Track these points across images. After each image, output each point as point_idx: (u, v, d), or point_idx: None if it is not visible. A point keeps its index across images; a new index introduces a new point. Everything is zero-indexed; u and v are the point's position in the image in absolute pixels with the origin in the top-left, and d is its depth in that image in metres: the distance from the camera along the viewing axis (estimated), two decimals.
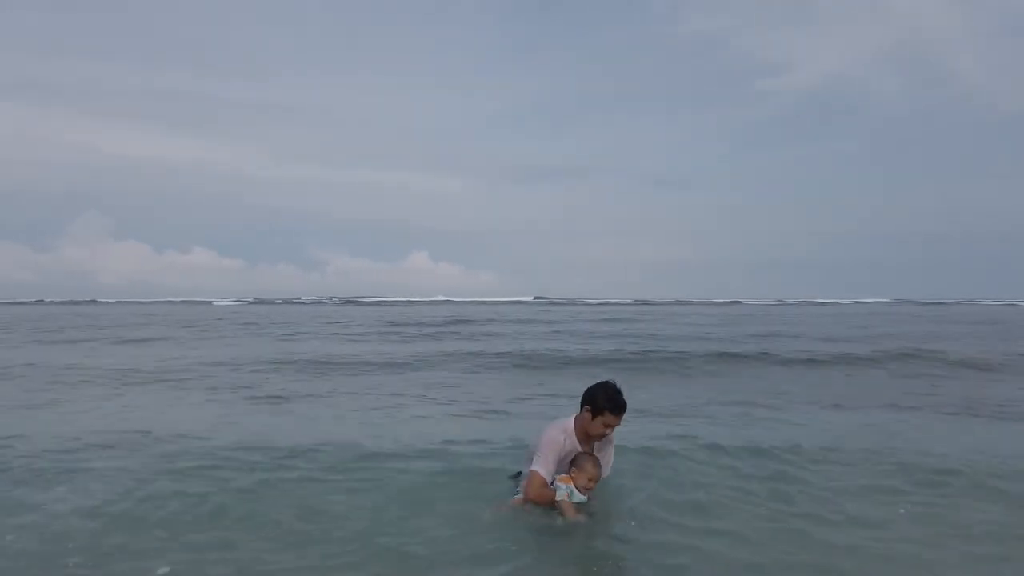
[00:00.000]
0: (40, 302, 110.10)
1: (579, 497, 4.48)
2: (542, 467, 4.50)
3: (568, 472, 4.53)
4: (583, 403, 4.62)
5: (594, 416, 4.53)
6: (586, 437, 4.63)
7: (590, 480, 4.49)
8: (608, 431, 4.59)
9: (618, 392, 4.54)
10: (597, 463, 4.57)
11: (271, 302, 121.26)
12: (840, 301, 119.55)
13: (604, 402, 4.51)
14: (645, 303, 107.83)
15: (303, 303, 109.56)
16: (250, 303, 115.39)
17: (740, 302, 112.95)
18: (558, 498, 4.43)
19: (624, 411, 4.55)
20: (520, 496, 4.58)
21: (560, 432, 4.61)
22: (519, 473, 4.98)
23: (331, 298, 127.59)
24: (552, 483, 4.50)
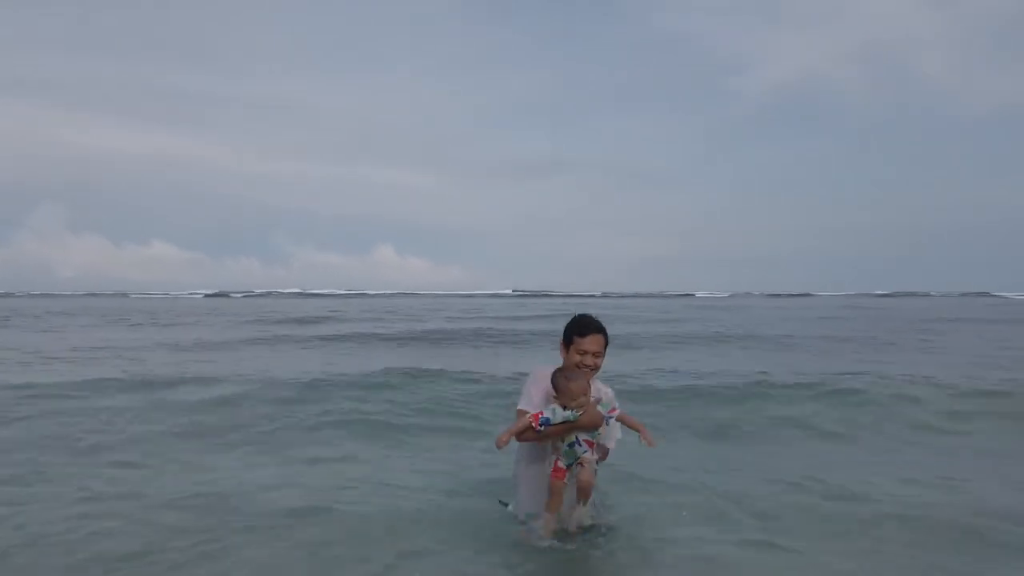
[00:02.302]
0: None
1: (563, 414, 3.93)
2: (524, 401, 4.17)
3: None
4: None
5: (568, 349, 4.25)
6: None
7: (574, 396, 3.92)
8: (587, 359, 4.17)
9: (585, 316, 4.31)
10: (573, 376, 4.00)
11: (226, 295, 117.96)
12: (818, 293, 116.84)
13: (570, 329, 4.27)
14: (614, 296, 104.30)
15: (238, 297, 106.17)
16: (196, 297, 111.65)
17: (693, 294, 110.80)
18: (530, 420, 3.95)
19: (593, 331, 4.20)
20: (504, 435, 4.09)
21: (550, 368, 4.19)
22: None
23: (288, 292, 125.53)
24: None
